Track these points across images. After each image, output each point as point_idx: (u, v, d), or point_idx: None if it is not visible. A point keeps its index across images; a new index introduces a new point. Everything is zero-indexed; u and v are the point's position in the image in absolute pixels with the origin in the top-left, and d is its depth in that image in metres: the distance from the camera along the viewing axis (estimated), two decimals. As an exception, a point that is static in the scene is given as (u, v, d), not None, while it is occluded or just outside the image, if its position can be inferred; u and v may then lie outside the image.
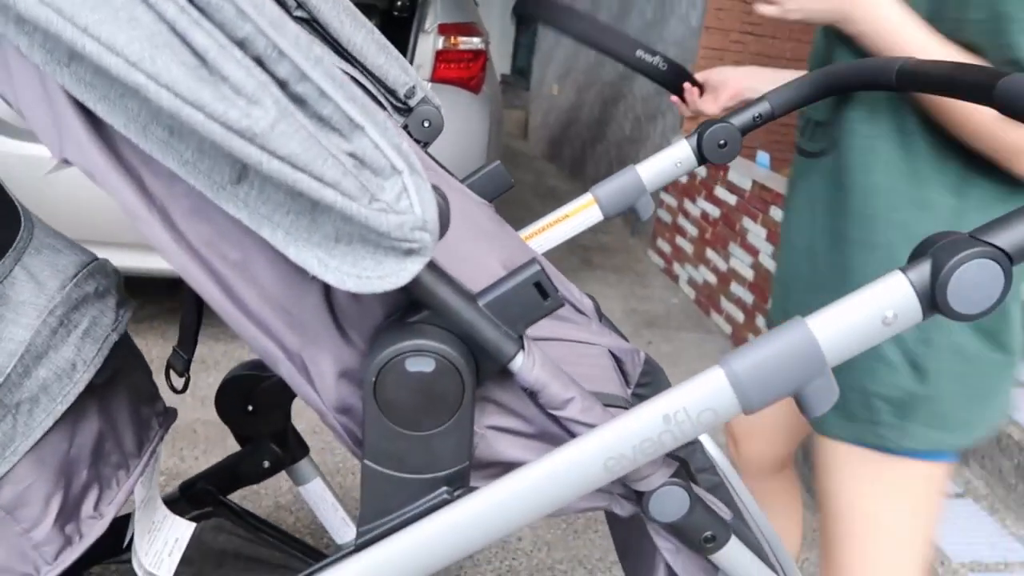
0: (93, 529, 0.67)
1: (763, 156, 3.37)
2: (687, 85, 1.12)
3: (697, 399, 0.53)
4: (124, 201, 0.50)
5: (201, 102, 0.43)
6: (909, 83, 0.77)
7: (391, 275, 0.48)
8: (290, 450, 1.03)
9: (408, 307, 0.56)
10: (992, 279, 0.49)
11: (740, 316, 3.09)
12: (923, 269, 0.51)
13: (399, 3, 2.51)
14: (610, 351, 0.91)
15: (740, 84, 1.11)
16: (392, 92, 0.87)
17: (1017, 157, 0.78)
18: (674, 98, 1.15)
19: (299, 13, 0.83)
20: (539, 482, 0.55)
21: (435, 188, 0.50)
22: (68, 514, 0.65)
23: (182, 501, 1.01)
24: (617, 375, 0.87)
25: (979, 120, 0.77)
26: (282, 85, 0.47)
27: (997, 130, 0.76)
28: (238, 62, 0.44)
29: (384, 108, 0.88)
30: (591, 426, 0.57)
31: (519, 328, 0.55)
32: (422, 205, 0.48)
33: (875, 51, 0.84)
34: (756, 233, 3.01)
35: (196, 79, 0.43)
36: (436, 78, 2.30)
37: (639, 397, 0.91)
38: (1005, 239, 0.50)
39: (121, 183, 0.50)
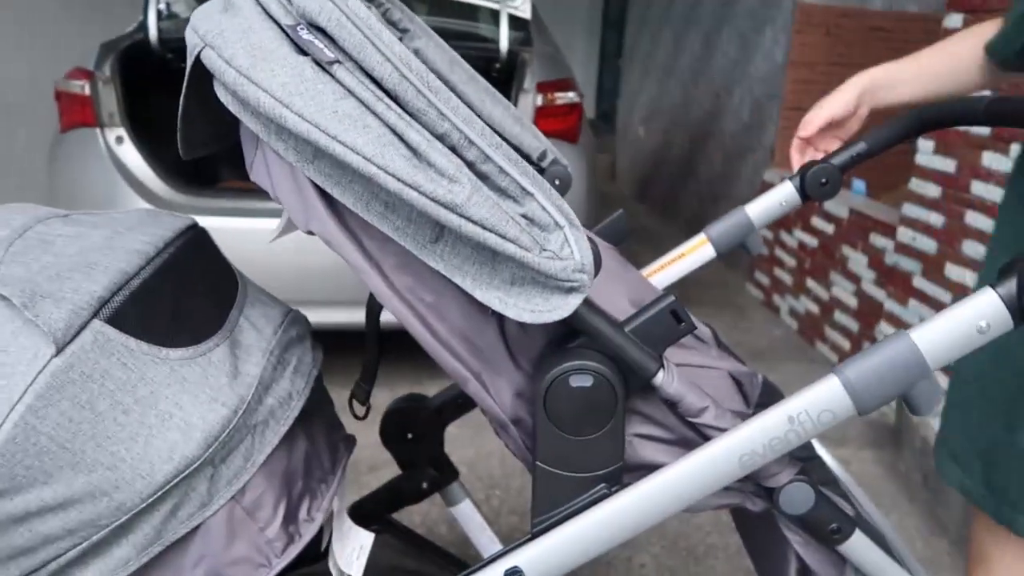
0: (308, 530, 0.81)
1: (859, 183, 3.37)
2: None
3: (816, 402, 0.63)
4: (350, 259, 0.65)
5: (417, 183, 0.57)
6: (997, 118, 0.86)
7: (557, 308, 0.61)
8: (444, 473, 1.17)
9: (565, 335, 0.68)
10: (1074, 289, 0.58)
11: (846, 344, 3.07)
12: (1011, 284, 0.59)
13: (498, 65, 2.71)
14: (730, 374, 1.01)
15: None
16: (527, 157, 1.01)
17: None
18: None
19: (447, 97, 0.99)
20: (685, 476, 0.65)
21: (588, 238, 0.63)
22: (290, 516, 0.79)
23: (353, 519, 1.15)
24: (738, 395, 0.96)
25: None
26: (471, 165, 0.61)
27: None
28: (440, 152, 0.59)
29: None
30: (724, 430, 0.68)
31: (659, 349, 0.67)
32: (580, 252, 0.60)
33: None
34: (857, 260, 3.01)
35: (412, 167, 0.58)
36: (536, 133, 2.46)
37: (758, 416, 1.00)
38: (1084, 254, 0.58)
39: (349, 246, 0.65)
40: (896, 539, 0.93)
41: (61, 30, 4.24)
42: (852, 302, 3.04)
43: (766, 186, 3.88)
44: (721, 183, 4.67)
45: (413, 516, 1.95)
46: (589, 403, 0.65)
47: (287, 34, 0.61)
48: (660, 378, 0.67)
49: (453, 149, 0.61)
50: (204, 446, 0.71)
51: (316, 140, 0.58)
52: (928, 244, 2.53)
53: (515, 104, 2.47)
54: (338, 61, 0.59)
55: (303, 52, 0.60)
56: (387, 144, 0.58)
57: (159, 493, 0.69)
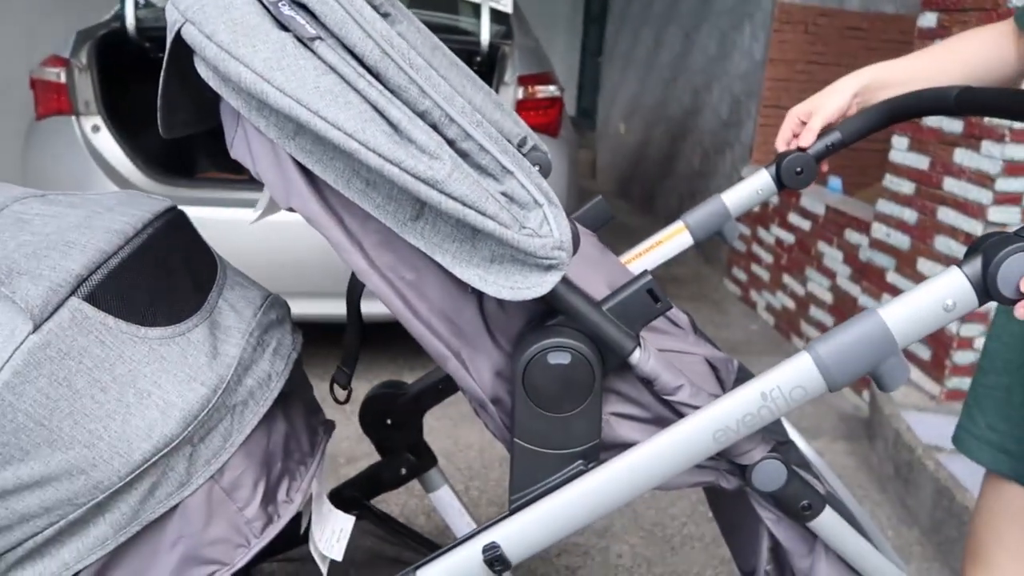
0: (287, 511, 0.81)
1: (835, 181, 3.41)
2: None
3: (788, 378, 0.64)
4: (331, 237, 0.66)
5: (398, 159, 0.58)
6: (967, 107, 0.88)
7: (536, 286, 0.62)
8: (423, 459, 1.17)
9: (544, 314, 0.69)
10: (1035, 268, 0.59)
11: (822, 339, 3.11)
12: (975, 263, 0.61)
13: (478, 59, 2.71)
14: (706, 359, 1.02)
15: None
16: (508, 142, 1.02)
17: None
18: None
19: (426, 82, 0.99)
20: (660, 452, 0.67)
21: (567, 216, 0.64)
22: (269, 497, 0.80)
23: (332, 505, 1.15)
24: (714, 379, 0.98)
25: None
26: (451, 143, 0.61)
27: None
28: (421, 128, 0.59)
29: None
30: (699, 408, 0.69)
31: (636, 328, 0.68)
32: (559, 230, 0.61)
33: None
34: (832, 256, 3.05)
35: (393, 143, 0.58)
36: (517, 126, 2.47)
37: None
38: (1045, 234, 0.60)
39: (330, 223, 0.65)
40: (867, 520, 0.95)
41: (37, 17, 4.18)
42: (827, 297, 3.08)
43: (744, 183, 3.92)
44: (700, 180, 4.71)
45: (391, 506, 1.95)
46: (567, 380, 0.66)
47: (268, 10, 0.61)
48: (636, 356, 0.68)
49: (434, 127, 0.61)
50: (183, 425, 0.71)
51: (297, 115, 0.58)
52: (902, 240, 2.58)
53: (496, 97, 2.49)
54: (319, 37, 0.60)
55: (285, 28, 0.60)
56: (368, 120, 0.58)
57: (137, 472, 0.69)
